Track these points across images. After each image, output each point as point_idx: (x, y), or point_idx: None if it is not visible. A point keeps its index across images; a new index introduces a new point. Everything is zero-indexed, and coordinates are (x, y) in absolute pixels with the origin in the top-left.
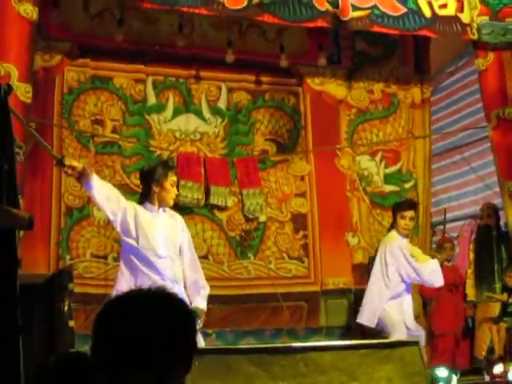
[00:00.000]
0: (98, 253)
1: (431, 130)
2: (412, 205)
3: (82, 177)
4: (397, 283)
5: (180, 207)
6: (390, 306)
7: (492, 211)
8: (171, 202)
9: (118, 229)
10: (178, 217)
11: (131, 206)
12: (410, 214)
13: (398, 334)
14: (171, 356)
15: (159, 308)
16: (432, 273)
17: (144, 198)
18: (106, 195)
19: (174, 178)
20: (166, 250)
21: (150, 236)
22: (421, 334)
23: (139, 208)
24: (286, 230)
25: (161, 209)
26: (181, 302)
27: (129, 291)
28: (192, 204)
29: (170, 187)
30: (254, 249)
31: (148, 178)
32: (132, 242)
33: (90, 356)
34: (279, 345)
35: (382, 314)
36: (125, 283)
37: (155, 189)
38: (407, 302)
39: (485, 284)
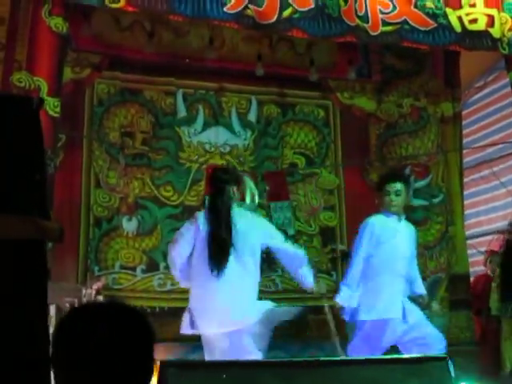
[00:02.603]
0: (126, 264)
1: (462, 145)
2: (397, 176)
3: None
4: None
5: None
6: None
7: None
8: None
9: None
10: None
11: None
12: (394, 187)
13: None
14: (128, 367)
15: (115, 320)
16: None
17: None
18: None
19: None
20: None
21: None
22: None
23: None
24: (315, 243)
25: None
26: (139, 315)
27: (90, 305)
28: None
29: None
30: None
31: (232, 179)
32: None
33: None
34: (306, 359)
35: None
36: None
37: (235, 192)
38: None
39: (510, 299)
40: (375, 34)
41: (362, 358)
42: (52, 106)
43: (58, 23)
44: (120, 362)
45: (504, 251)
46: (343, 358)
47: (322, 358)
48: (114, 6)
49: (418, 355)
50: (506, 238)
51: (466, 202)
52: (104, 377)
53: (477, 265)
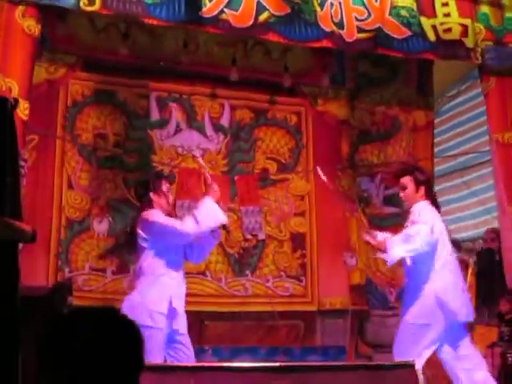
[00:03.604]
0: (97, 266)
1: (434, 153)
2: None
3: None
4: None
5: None
6: None
7: (496, 235)
8: (169, 208)
9: None
10: None
11: None
12: None
13: None
14: (116, 374)
15: (104, 326)
16: None
17: (147, 208)
18: None
19: (168, 185)
20: None
21: None
22: None
23: None
24: (285, 248)
25: None
26: (127, 320)
27: (80, 308)
28: None
29: (167, 193)
30: (252, 266)
31: (145, 188)
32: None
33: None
34: (275, 364)
35: None
36: None
37: (153, 197)
38: None
39: (485, 308)
40: (350, 40)
41: (331, 364)
42: (22, 108)
43: (30, 25)
44: (107, 362)
45: (478, 261)
46: (312, 363)
47: (291, 364)
48: (89, 8)
49: (387, 363)
50: (480, 247)
51: None
52: (90, 377)
53: None
